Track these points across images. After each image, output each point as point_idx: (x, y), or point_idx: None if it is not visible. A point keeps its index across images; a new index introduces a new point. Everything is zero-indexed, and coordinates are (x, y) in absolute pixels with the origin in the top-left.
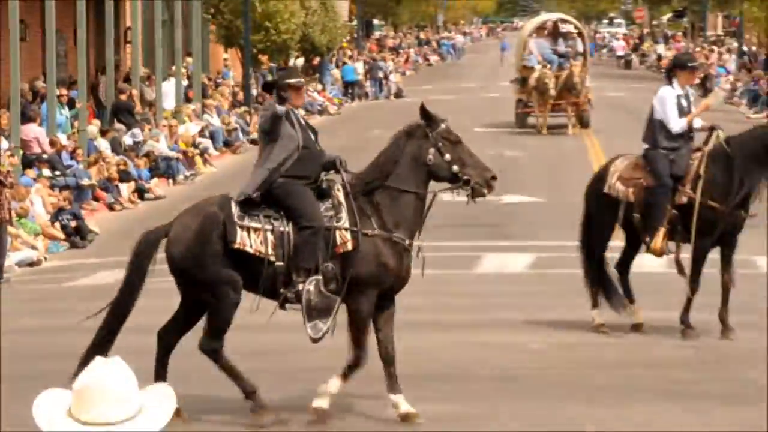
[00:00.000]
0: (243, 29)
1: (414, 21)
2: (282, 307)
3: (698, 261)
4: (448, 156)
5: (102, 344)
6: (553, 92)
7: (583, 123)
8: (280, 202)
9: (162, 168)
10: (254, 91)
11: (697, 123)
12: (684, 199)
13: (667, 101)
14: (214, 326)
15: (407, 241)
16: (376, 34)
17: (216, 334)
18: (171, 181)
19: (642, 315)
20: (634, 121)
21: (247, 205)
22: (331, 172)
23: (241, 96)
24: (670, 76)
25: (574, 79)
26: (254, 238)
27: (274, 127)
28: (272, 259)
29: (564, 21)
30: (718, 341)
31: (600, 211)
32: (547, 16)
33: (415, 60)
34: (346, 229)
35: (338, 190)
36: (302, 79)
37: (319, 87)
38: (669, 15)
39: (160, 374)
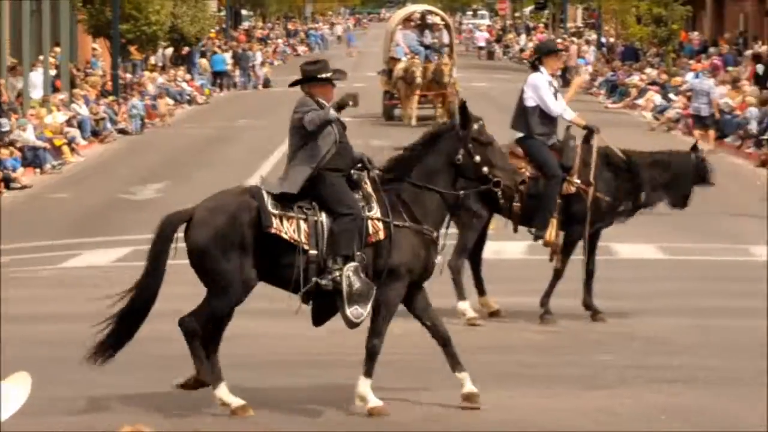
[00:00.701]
0: (112, 19)
1: (282, 12)
2: (305, 301)
3: (571, 247)
4: (477, 157)
5: (128, 330)
6: (420, 82)
7: (450, 114)
8: (318, 191)
9: (29, 157)
10: (122, 81)
11: (569, 115)
12: (572, 189)
13: (541, 87)
14: (206, 312)
15: (434, 234)
16: (245, 24)
17: (204, 319)
18: (38, 170)
19: (494, 303)
20: (499, 111)
21: (279, 196)
22: (358, 166)
23: (109, 86)
24: (537, 63)
25: (442, 71)
26: (288, 225)
27: (321, 130)
28: (306, 247)
29: (431, 13)
30: (576, 326)
31: (476, 201)
32: (413, 8)
33: (284, 51)
34: (378, 219)
35: (366, 182)
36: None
37: (188, 77)
38: (531, 7)
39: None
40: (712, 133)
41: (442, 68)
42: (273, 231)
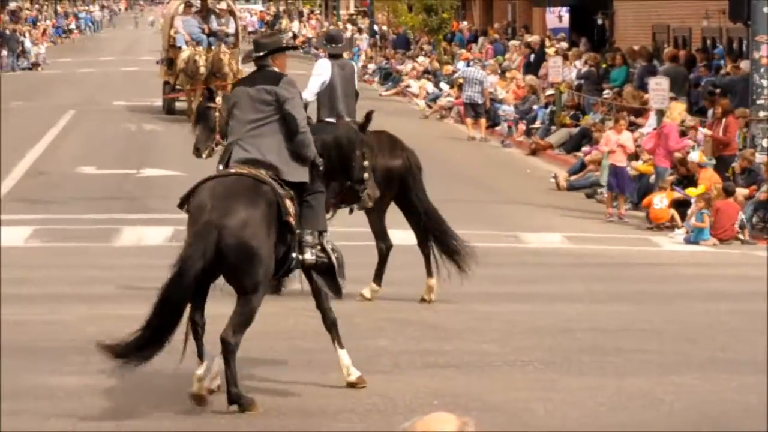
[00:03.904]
0: None
1: None
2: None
3: None
4: (366, 162)
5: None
6: (204, 74)
7: None
8: None
9: None
10: None
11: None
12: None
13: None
14: (248, 318)
15: None
16: (12, 5)
17: (244, 327)
18: None
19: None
20: None
21: (272, 178)
22: None
23: None
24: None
25: (221, 61)
26: (290, 209)
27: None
28: (296, 228)
29: None
30: (351, 311)
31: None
32: None
33: (54, 33)
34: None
35: None
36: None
37: None
38: None
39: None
40: (483, 121)
41: (220, 57)
42: (289, 219)
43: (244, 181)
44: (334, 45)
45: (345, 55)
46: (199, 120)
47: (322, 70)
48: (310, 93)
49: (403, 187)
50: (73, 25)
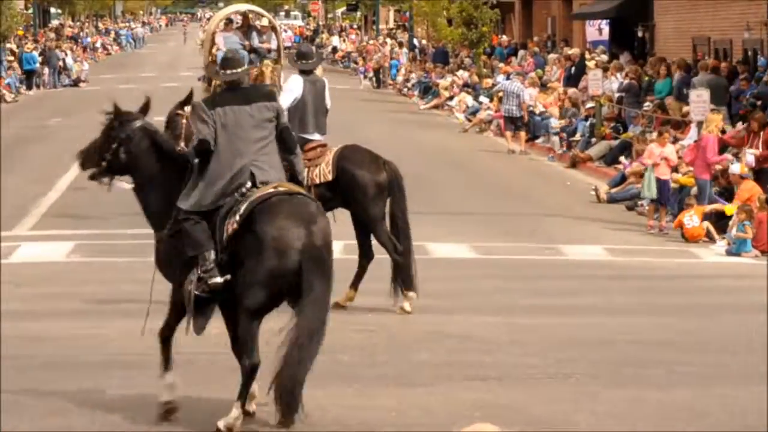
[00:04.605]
0: None
1: (91, 10)
2: None
3: None
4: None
5: None
6: None
7: None
8: None
9: None
10: None
11: None
12: None
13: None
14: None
15: None
16: (54, 22)
17: None
18: None
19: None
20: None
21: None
22: None
23: None
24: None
25: (264, 79)
26: None
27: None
28: None
29: (256, 14)
30: (390, 324)
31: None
32: (235, 8)
33: (95, 49)
34: None
35: None
36: None
37: None
38: (343, 9)
39: None
40: (523, 134)
41: (263, 71)
42: None
43: (312, 202)
44: (304, 61)
45: (317, 71)
46: (167, 126)
47: (293, 86)
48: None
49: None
50: (112, 42)
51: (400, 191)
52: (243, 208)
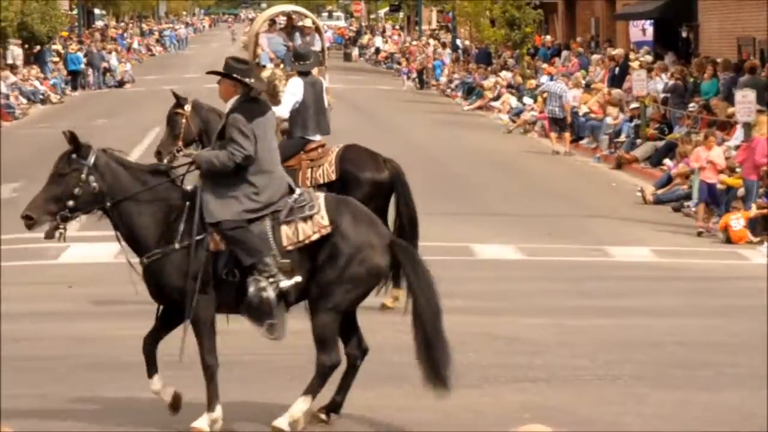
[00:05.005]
0: None
1: (135, 11)
2: None
3: None
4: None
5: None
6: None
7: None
8: None
9: None
10: None
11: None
12: None
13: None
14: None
15: None
16: (99, 24)
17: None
18: None
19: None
20: (367, 117)
21: None
22: None
23: None
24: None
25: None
26: None
27: None
28: None
29: (300, 14)
30: None
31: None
32: (279, 8)
33: (138, 50)
34: None
35: None
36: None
37: (41, 76)
38: (386, 9)
39: None
40: (567, 135)
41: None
42: None
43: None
44: (302, 62)
45: (314, 71)
46: (167, 124)
47: (295, 89)
48: (285, 110)
49: (389, 196)
50: (155, 43)
51: (404, 187)
52: (320, 212)
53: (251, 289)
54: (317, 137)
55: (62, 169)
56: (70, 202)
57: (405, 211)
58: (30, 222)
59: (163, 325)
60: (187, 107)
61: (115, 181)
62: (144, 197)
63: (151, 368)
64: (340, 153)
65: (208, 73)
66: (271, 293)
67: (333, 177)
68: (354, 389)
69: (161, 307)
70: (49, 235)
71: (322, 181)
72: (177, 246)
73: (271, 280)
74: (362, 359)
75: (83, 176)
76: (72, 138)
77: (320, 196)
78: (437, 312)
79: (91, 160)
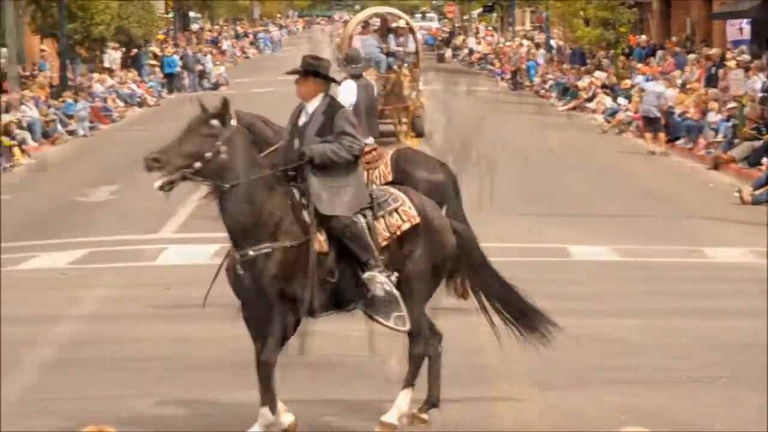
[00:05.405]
0: (58, 19)
1: (231, 14)
2: None
3: None
4: None
5: None
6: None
7: (416, 130)
8: None
9: None
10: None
11: None
12: None
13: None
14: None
15: None
16: (194, 27)
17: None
18: None
19: None
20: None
21: None
22: None
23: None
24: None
25: (401, 82)
26: None
27: None
28: None
29: (394, 16)
30: None
31: None
32: (373, 10)
33: (233, 53)
34: None
35: None
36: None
37: (138, 79)
38: (479, 10)
39: None
40: (662, 135)
41: (401, 79)
42: None
43: None
44: (354, 66)
45: (364, 74)
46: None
47: (349, 93)
48: None
49: (443, 200)
50: (249, 45)
51: (455, 192)
52: (404, 204)
53: (375, 286)
54: (369, 140)
55: (200, 130)
56: (198, 164)
57: (452, 216)
58: (156, 165)
59: (259, 334)
60: (233, 121)
61: (243, 163)
62: (264, 185)
63: (272, 396)
64: (395, 155)
65: (289, 72)
66: (392, 287)
67: (389, 178)
68: (445, 390)
69: (250, 319)
70: (163, 187)
71: (378, 183)
72: (289, 243)
73: (385, 274)
74: (440, 344)
75: (218, 144)
76: (224, 104)
77: (391, 189)
78: (504, 282)
79: (228, 132)
